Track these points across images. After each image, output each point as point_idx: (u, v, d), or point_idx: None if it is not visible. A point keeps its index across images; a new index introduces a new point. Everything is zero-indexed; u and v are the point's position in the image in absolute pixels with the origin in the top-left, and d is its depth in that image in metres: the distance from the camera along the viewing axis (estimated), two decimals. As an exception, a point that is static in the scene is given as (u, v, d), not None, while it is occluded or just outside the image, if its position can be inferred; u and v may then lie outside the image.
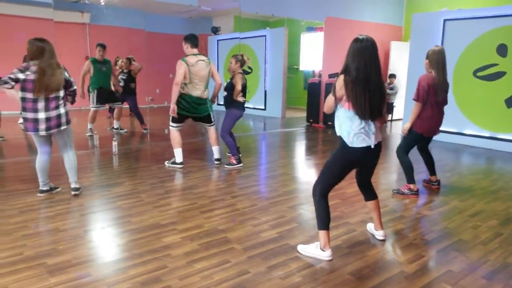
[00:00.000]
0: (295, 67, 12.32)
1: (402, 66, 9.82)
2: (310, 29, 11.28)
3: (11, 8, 6.90)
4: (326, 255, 2.84)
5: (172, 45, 7.17)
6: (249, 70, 5.54)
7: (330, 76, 9.05)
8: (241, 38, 9.26)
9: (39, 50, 3.72)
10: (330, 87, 2.82)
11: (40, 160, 4.01)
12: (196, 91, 5.12)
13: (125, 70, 7.79)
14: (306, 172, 5.63)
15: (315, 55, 10.22)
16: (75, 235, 3.20)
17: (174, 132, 5.29)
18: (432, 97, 4.10)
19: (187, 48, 5.13)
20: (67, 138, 4.05)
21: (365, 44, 2.64)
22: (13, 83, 3.65)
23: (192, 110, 5.21)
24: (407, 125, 4.29)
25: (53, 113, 3.83)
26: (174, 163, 5.37)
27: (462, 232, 3.40)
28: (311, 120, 9.60)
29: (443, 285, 2.55)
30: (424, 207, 4.07)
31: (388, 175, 5.26)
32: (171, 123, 5.28)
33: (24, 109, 3.77)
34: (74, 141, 4.20)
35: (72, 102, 4.13)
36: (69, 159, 4.09)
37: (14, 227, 3.32)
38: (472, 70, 7.17)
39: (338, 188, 4.10)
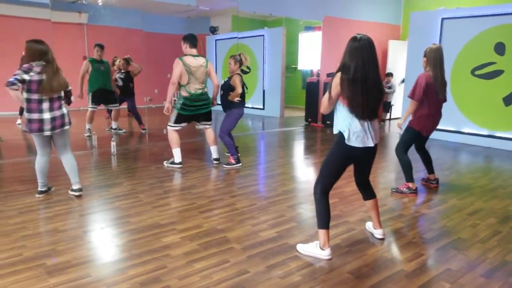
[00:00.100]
0: (293, 66, 12.33)
1: (400, 65, 9.84)
2: (308, 28, 11.28)
3: (8, 9, 6.89)
4: (325, 254, 2.84)
5: (170, 45, 7.18)
6: (247, 70, 5.52)
7: (328, 75, 9.05)
8: (239, 38, 9.26)
9: (41, 52, 3.73)
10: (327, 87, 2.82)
11: (40, 161, 4.00)
12: (194, 89, 5.12)
13: (122, 71, 7.78)
14: (305, 172, 5.64)
15: (313, 54, 10.23)
16: (74, 236, 3.19)
17: (172, 132, 5.29)
18: (432, 95, 4.10)
19: (185, 48, 5.13)
20: (67, 139, 4.06)
21: (363, 43, 2.64)
22: (19, 84, 3.66)
23: (197, 107, 5.20)
24: (401, 120, 4.41)
25: (57, 113, 3.87)
26: (173, 163, 5.37)
27: (460, 231, 3.41)
28: (309, 120, 9.61)
29: (442, 283, 2.56)
30: (423, 205, 4.08)
31: (387, 174, 5.27)
32: (170, 123, 5.27)
33: (29, 110, 3.77)
34: (72, 141, 4.20)
35: (69, 103, 4.13)
36: (69, 160, 4.09)
37: (13, 228, 3.31)
38: (470, 69, 7.19)
39: (337, 187, 4.11)
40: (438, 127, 4.45)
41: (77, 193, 4.09)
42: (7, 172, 5.13)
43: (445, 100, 4.25)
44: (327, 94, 2.76)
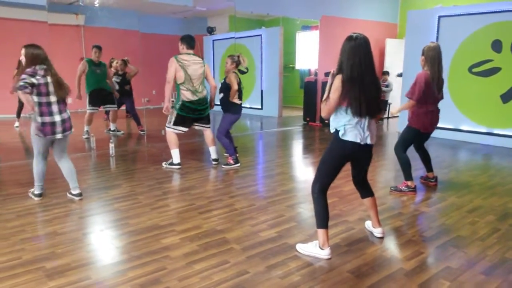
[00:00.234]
0: (291, 66, 12.34)
1: (398, 63, 9.84)
2: (306, 27, 11.29)
3: (4, 11, 6.87)
4: (325, 253, 2.84)
5: (167, 46, 7.17)
6: (245, 70, 5.53)
7: (326, 74, 9.06)
8: (237, 38, 9.25)
9: (43, 56, 3.76)
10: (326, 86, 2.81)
11: (41, 164, 3.99)
12: (194, 93, 5.10)
13: (120, 72, 7.77)
14: (304, 171, 5.64)
15: (310, 53, 10.23)
16: (74, 238, 3.19)
17: (170, 133, 5.28)
18: (430, 93, 4.11)
19: (182, 49, 5.13)
20: (67, 143, 4.07)
21: (359, 42, 2.64)
22: (30, 87, 3.66)
23: (196, 113, 5.21)
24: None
25: (65, 115, 3.91)
26: (171, 164, 5.36)
27: (460, 228, 3.41)
28: (307, 119, 9.61)
29: (442, 281, 2.56)
30: (422, 204, 4.08)
31: (386, 172, 5.27)
32: (168, 124, 5.26)
33: (41, 114, 3.77)
34: (70, 144, 4.19)
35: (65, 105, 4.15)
36: (68, 165, 4.08)
37: (12, 231, 3.30)
38: (467, 66, 7.20)
39: (336, 186, 4.11)
40: (437, 125, 4.46)
41: (77, 198, 4.09)
42: (5, 175, 5.12)
43: (442, 98, 4.26)
44: (325, 97, 2.75)
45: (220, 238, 3.19)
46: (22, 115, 7.54)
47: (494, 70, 6.88)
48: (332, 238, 3.12)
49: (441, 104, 4.32)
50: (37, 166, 3.99)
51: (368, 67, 2.67)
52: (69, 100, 4.16)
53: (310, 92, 9.51)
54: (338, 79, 2.67)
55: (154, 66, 8.57)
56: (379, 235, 3.20)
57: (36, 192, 4.07)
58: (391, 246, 3.10)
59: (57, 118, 3.83)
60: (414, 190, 4.31)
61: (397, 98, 9.56)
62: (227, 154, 5.54)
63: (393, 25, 10.73)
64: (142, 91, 8.13)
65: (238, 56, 5.38)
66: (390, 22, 10.62)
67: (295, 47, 11.76)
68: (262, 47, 10.59)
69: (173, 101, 5.29)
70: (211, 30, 11.20)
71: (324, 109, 2.76)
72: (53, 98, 3.79)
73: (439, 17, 7.50)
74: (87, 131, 7.25)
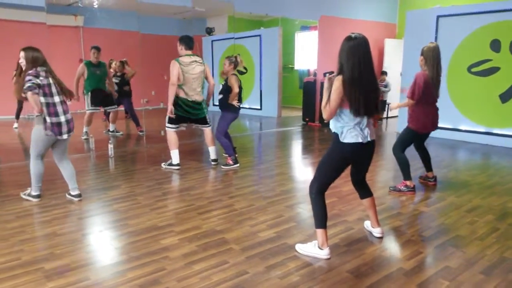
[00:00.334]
0: (290, 66, 12.35)
1: (397, 63, 9.85)
2: (305, 28, 11.30)
3: (3, 13, 6.87)
4: (324, 253, 2.84)
5: (166, 47, 7.16)
6: (244, 71, 5.54)
7: (325, 74, 9.06)
8: (236, 39, 9.26)
9: (42, 59, 3.78)
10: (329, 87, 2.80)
11: (40, 165, 3.99)
12: (192, 94, 5.12)
13: (118, 74, 7.77)
14: (303, 171, 5.64)
15: (309, 54, 10.24)
16: (73, 239, 3.19)
17: (171, 133, 5.29)
18: (429, 93, 4.11)
19: (181, 49, 5.13)
20: (67, 144, 4.08)
21: (359, 42, 2.65)
22: (38, 88, 3.68)
23: (189, 112, 5.21)
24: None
25: (69, 116, 3.94)
26: (170, 164, 5.36)
27: (459, 228, 3.41)
28: (307, 119, 9.61)
29: (441, 281, 2.56)
30: (421, 203, 4.08)
31: (385, 172, 5.27)
32: (167, 124, 5.27)
33: (49, 114, 3.78)
34: (69, 144, 4.19)
35: None
36: (69, 167, 4.08)
37: (11, 232, 3.30)
38: (466, 66, 7.21)
39: (335, 186, 4.11)
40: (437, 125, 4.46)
41: (77, 199, 4.09)
42: (4, 176, 5.12)
43: (438, 97, 4.26)
44: (325, 100, 2.74)
45: (219, 238, 3.19)
46: (21, 116, 7.55)
47: (493, 70, 6.89)
48: (331, 238, 3.12)
49: (440, 104, 4.33)
50: (36, 167, 3.98)
51: (368, 67, 2.67)
52: (68, 101, 4.17)
53: (309, 92, 9.52)
54: (338, 80, 2.67)
55: (153, 67, 8.58)
56: (378, 235, 3.20)
57: (35, 193, 4.06)
58: (390, 246, 3.10)
59: (63, 118, 3.86)
60: (413, 189, 4.31)
61: (396, 98, 9.56)
62: (226, 155, 5.55)
63: (392, 25, 10.74)
64: (141, 91, 8.13)
65: (236, 57, 5.40)
66: (389, 22, 10.63)
67: (294, 48, 11.76)
68: (261, 47, 10.60)
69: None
70: (210, 31, 11.21)
71: (326, 112, 2.75)
72: (56, 99, 3.81)
73: (438, 17, 7.51)
74: (86, 132, 7.25)
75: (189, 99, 5.12)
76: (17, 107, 7.41)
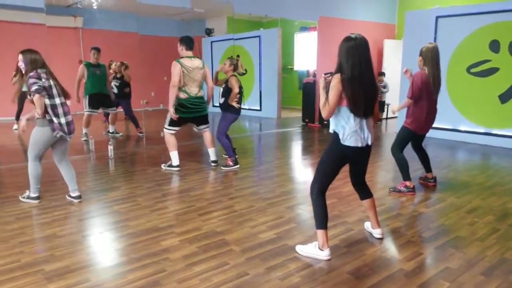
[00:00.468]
0: (290, 67, 12.34)
1: (396, 64, 9.85)
2: (304, 29, 11.30)
3: (3, 14, 6.87)
4: (324, 254, 2.84)
5: (166, 48, 7.17)
6: (244, 72, 5.55)
7: (325, 74, 9.05)
8: (235, 39, 9.26)
9: (42, 61, 3.78)
10: (327, 87, 2.81)
11: (38, 166, 3.98)
12: (191, 92, 5.12)
13: (118, 75, 7.76)
14: (303, 172, 5.64)
15: (309, 54, 10.24)
16: (73, 241, 3.18)
17: (169, 135, 5.29)
18: (427, 94, 4.11)
19: (182, 50, 5.13)
20: (68, 146, 4.07)
21: (359, 42, 2.66)
22: (44, 91, 3.69)
23: (194, 110, 5.21)
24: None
25: (70, 118, 3.94)
26: (170, 166, 5.36)
27: (459, 229, 3.42)
28: (306, 120, 9.62)
29: (441, 282, 2.56)
30: (421, 204, 4.09)
31: (384, 173, 5.27)
32: (166, 126, 5.27)
33: (55, 115, 3.79)
34: (69, 146, 4.19)
35: None
36: (69, 168, 4.08)
37: (11, 234, 3.30)
38: (465, 67, 7.22)
39: (335, 187, 4.11)
40: (435, 125, 4.47)
41: (77, 200, 4.09)
42: (4, 178, 5.11)
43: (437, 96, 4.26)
44: (323, 99, 2.75)
45: (219, 239, 3.19)
46: (21, 117, 7.54)
47: (492, 71, 6.89)
48: (332, 239, 3.12)
49: (439, 105, 4.34)
50: (35, 168, 3.97)
51: (367, 67, 2.68)
52: (68, 103, 4.17)
53: (309, 93, 9.52)
54: (336, 79, 2.68)
55: (152, 68, 8.58)
56: (379, 236, 3.20)
57: (34, 195, 4.06)
58: (391, 247, 3.10)
59: (67, 119, 3.88)
60: (413, 190, 4.32)
61: (395, 99, 9.55)
62: (226, 156, 5.55)
63: (391, 26, 10.74)
64: (140, 93, 8.13)
65: (237, 60, 5.43)
66: (388, 23, 10.63)
67: (293, 48, 11.76)
68: (261, 48, 10.60)
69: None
70: (209, 32, 11.21)
71: (324, 110, 2.75)
72: (58, 101, 3.81)
73: (437, 17, 7.52)
74: (85, 133, 7.24)
75: (188, 97, 5.11)
76: (17, 109, 7.39)
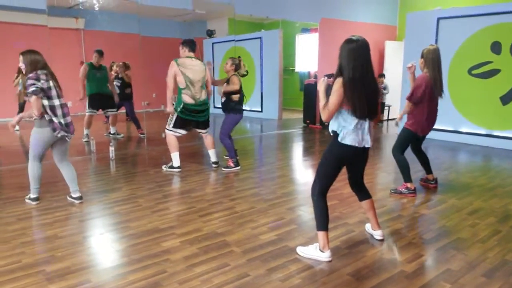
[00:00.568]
0: (291, 68, 12.34)
1: (397, 65, 9.85)
2: (305, 30, 11.30)
3: (4, 15, 6.89)
4: (325, 256, 2.84)
5: (167, 49, 7.18)
6: (245, 73, 5.55)
7: (327, 77, 9.05)
8: (236, 41, 9.27)
9: (43, 61, 3.79)
10: (329, 89, 2.81)
11: (38, 167, 3.98)
12: (196, 95, 5.11)
13: (120, 76, 7.77)
14: (304, 174, 5.64)
15: (310, 56, 10.24)
16: (74, 242, 3.19)
17: (171, 136, 5.29)
18: (429, 97, 4.11)
19: (184, 52, 5.14)
20: (68, 146, 4.08)
21: (360, 44, 2.66)
22: (42, 92, 3.69)
23: (195, 116, 5.22)
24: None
25: (69, 119, 3.94)
26: (171, 167, 5.36)
27: (460, 230, 3.41)
28: (308, 121, 9.61)
29: (443, 283, 2.56)
30: (422, 206, 4.08)
31: (385, 175, 5.27)
32: (169, 127, 5.27)
33: (55, 116, 3.79)
34: (70, 147, 4.19)
35: None
36: (69, 168, 4.09)
37: (12, 235, 3.30)
38: (467, 68, 7.21)
39: (336, 189, 4.11)
40: (436, 126, 4.47)
41: (78, 201, 4.09)
42: (5, 179, 5.12)
43: (441, 96, 4.24)
44: (323, 102, 2.75)
45: (220, 241, 3.19)
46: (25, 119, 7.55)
47: (494, 72, 6.89)
48: (333, 241, 3.11)
49: (440, 106, 4.33)
50: (34, 169, 3.97)
51: (368, 69, 2.68)
52: (69, 103, 4.18)
53: (310, 94, 9.51)
54: (338, 83, 2.68)
55: (154, 70, 8.58)
56: (379, 238, 3.20)
57: (33, 196, 4.05)
58: (392, 249, 3.10)
59: (62, 121, 3.86)
60: (414, 192, 4.31)
61: (396, 101, 9.55)
62: (227, 157, 5.55)
63: (392, 27, 10.74)
64: (142, 94, 8.14)
65: (239, 60, 5.43)
66: (389, 25, 10.63)
67: (294, 50, 11.76)
68: (262, 50, 10.61)
69: (173, 104, 5.29)
70: (210, 33, 11.22)
71: (324, 113, 2.75)
72: (56, 102, 3.81)
73: (438, 19, 7.51)
74: (87, 134, 7.26)
75: (194, 103, 5.12)
76: (18, 110, 7.41)
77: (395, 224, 3.55)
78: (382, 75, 9.85)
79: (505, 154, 6.47)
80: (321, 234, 2.86)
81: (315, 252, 2.88)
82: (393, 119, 10.14)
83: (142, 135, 7.74)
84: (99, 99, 7.23)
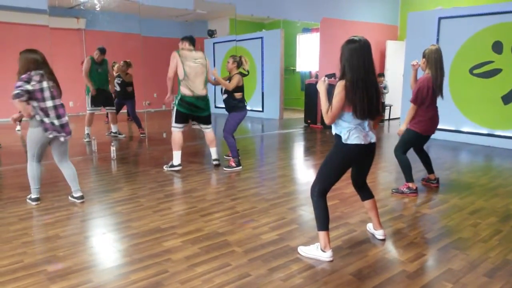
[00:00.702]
0: (292, 68, 12.34)
1: (398, 65, 9.84)
2: (306, 30, 11.30)
3: (6, 15, 6.89)
4: (326, 256, 2.84)
5: (168, 49, 7.16)
6: (246, 73, 5.55)
7: (327, 77, 9.05)
8: (238, 41, 9.27)
9: (36, 61, 3.75)
10: (330, 89, 2.81)
11: (36, 167, 3.98)
12: (195, 89, 5.12)
13: (121, 74, 7.77)
14: (305, 173, 5.63)
15: (311, 56, 10.24)
16: (75, 242, 3.19)
17: (176, 133, 5.28)
18: (432, 97, 4.11)
19: (184, 45, 5.16)
20: (68, 146, 4.08)
21: (361, 44, 2.66)
22: (27, 95, 3.67)
23: (195, 110, 5.23)
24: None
25: (64, 120, 3.92)
26: (172, 166, 5.36)
27: (462, 230, 3.41)
28: (309, 121, 9.61)
29: (444, 283, 2.55)
30: (424, 205, 4.08)
31: (387, 174, 5.26)
32: (174, 124, 5.27)
33: (46, 116, 3.78)
34: (72, 147, 4.20)
35: None
36: (70, 168, 4.09)
37: (14, 235, 3.31)
38: (468, 68, 7.20)
39: (337, 188, 4.10)
40: (438, 126, 4.45)
41: (79, 201, 4.09)
42: (7, 179, 5.13)
43: (441, 97, 4.22)
44: (326, 105, 2.74)
45: (221, 240, 3.19)
46: (23, 119, 7.56)
47: (495, 72, 6.87)
48: (334, 241, 3.11)
49: (441, 106, 4.33)
50: (33, 169, 3.97)
51: (370, 69, 2.68)
52: (70, 104, 4.18)
53: (311, 94, 9.51)
54: (340, 86, 2.68)
55: (155, 69, 8.58)
56: (381, 237, 3.20)
57: (34, 196, 4.05)
58: (393, 248, 3.10)
59: (56, 122, 3.84)
60: (415, 191, 4.31)
61: (397, 100, 9.54)
62: (229, 157, 5.55)
63: (393, 27, 10.74)
64: (143, 94, 8.14)
65: (240, 57, 5.43)
66: (390, 24, 10.63)
67: (295, 50, 11.75)
68: (263, 49, 10.60)
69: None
70: (211, 33, 11.21)
71: (328, 118, 2.75)
72: (49, 103, 3.78)
73: (440, 18, 7.51)
74: (88, 134, 7.26)
75: (193, 96, 5.13)
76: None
77: (396, 224, 3.54)
78: (381, 75, 9.84)
79: (506, 154, 6.46)
80: (322, 234, 2.86)
81: (316, 252, 2.88)
82: (394, 118, 10.14)
83: (142, 135, 7.75)
84: (101, 96, 7.23)
